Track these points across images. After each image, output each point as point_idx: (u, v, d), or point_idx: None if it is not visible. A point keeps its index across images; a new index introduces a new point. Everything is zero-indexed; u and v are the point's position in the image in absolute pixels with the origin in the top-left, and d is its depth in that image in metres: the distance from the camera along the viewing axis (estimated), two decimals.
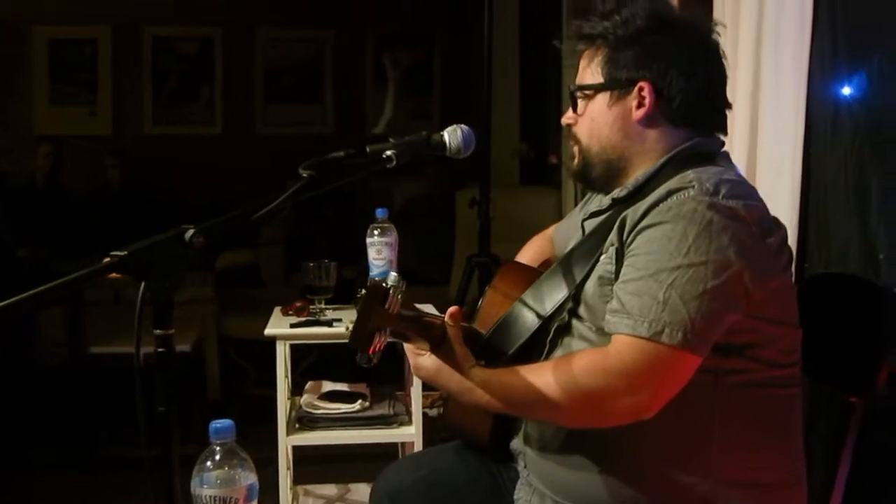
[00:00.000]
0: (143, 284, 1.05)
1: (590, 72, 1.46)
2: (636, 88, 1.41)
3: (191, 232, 1.07)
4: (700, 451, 1.34)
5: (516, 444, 1.55)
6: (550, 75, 5.04)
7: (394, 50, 6.44)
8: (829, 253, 2.13)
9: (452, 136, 1.44)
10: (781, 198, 2.13)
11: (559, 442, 1.42)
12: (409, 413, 2.48)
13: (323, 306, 2.52)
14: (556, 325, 1.45)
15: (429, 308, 2.07)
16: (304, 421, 2.42)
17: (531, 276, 1.57)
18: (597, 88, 1.45)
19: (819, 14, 2.10)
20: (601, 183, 1.50)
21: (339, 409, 2.45)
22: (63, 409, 3.82)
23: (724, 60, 1.46)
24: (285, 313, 2.55)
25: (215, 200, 3.96)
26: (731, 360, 1.33)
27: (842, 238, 2.09)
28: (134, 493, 2.89)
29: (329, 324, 2.44)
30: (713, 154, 1.43)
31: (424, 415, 2.46)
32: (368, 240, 2.40)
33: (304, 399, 2.50)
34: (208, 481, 1.17)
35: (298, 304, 2.53)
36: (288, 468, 2.46)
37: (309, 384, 2.62)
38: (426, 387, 2.32)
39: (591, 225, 1.52)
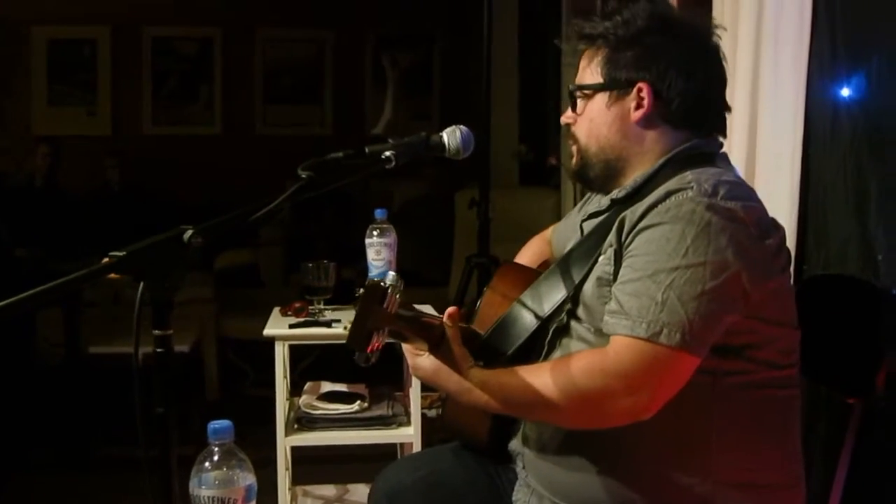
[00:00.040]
0: (141, 285, 1.05)
1: (589, 72, 1.47)
2: (635, 89, 1.41)
3: (190, 232, 1.07)
4: (698, 452, 1.34)
5: (515, 445, 1.55)
6: (550, 76, 5.04)
7: (393, 50, 6.44)
8: (828, 254, 2.13)
9: (451, 136, 1.44)
10: (780, 199, 2.13)
11: (557, 443, 1.42)
12: (407, 414, 2.48)
13: (322, 307, 2.52)
14: (554, 326, 1.45)
15: (427, 308, 2.07)
16: (302, 421, 2.42)
17: (530, 277, 1.57)
18: (596, 88, 1.45)
19: (818, 15, 2.10)
20: (599, 183, 1.50)
21: (337, 409, 2.45)
22: (62, 410, 3.82)
23: (724, 63, 1.46)
24: (284, 314, 2.55)
25: (214, 201, 3.93)
26: (730, 361, 1.32)
27: (840, 239, 2.09)
28: (132, 494, 2.86)
29: (328, 324, 2.44)
30: (712, 155, 1.43)
31: (423, 415, 2.45)
32: (367, 240, 2.39)
33: (303, 400, 2.50)
34: (207, 482, 1.17)
35: (297, 305, 2.52)
36: (286, 469, 2.46)
37: (308, 385, 2.62)
38: (425, 387, 2.33)
39: (589, 226, 1.52)
